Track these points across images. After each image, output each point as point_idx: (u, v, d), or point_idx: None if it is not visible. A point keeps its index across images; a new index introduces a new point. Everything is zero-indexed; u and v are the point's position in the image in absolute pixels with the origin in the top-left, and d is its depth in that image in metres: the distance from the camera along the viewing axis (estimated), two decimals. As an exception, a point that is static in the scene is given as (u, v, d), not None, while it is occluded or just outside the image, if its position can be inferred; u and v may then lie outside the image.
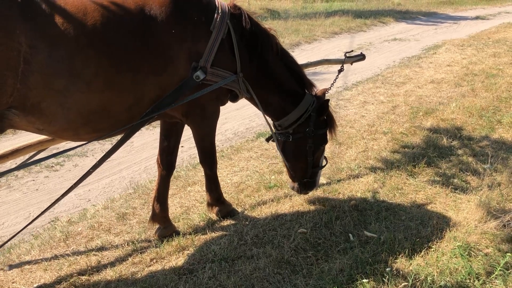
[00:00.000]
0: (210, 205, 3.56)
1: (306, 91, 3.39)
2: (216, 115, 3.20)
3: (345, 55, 3.96)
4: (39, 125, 2.48)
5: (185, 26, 2.77)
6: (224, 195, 3.95)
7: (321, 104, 3.39)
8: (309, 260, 2.99)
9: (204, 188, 3.67)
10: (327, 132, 3.48)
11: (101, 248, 3.24)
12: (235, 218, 3.54)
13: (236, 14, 3.01)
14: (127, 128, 2.76)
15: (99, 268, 3.01)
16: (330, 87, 3.91)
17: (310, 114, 3.32)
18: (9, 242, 3.47)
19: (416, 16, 16.48)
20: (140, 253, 3.14)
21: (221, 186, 4.05)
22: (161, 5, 2.70)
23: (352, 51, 4.09)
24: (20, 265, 3.11)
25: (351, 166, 4.40)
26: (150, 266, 3.01)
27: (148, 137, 5.46)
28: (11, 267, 3.06)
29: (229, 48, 2.94)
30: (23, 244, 3.41)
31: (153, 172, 4.70)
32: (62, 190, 4.34)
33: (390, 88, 7.26)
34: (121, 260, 3.09)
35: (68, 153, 5.10)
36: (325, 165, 3.61)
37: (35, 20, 2.27)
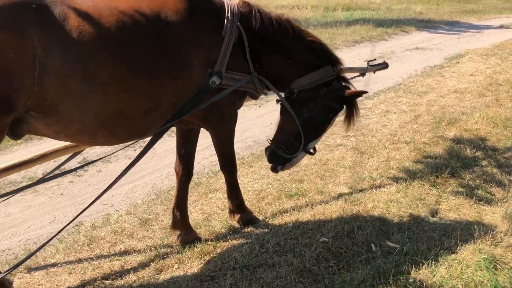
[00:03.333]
0: (231, 212, 3.57)
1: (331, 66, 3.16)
2: (233, 119, 3.21)
3: (367, 63, 3.95)
4: (56, 128, 2.52)
5: (199, 32, 2.80)
6: (245, 202, 3.97)
7: (345, 83, 3.19)
8: (331, 269, 2.98)
9: (225, 195, 3.70)
10: (335, 114, 3.19)
11: (124, 253, 3.28)
12: (256, 226, 3.54)
13: (246, 12, 3.00)
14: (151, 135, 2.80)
15: (122, 273, 3.05)
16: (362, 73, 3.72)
17: (331, 81, 3.10)
18: (36, 245, 3.58)
19: (438, 25, 16.32)
20: (163, 259, 3.17)
21: (242, 193, 4.08)
22: (175, 11, 2.73)
23: (374, 59, 4.07)
24: (45, 267, 3.18)
25: (373, 176, 4.37)
26: (172, 272, 3.04)
27: (171, 144, 5.52)
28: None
29: (242, 50, 2.96)
30: (48, 247, 3.47)
31: (175, 179, 4.73)
32: (86, 195, 4.44)
33: (412, 97, 7.21)
34: (143, 265, 3.12)
35: (92, 158, 5.20)
36: (311, 153, 3.28)
37: (49, 24, 2.31)
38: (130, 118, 2.67)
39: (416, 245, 3.16)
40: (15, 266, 2.59)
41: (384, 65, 4.15)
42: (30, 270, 3.17)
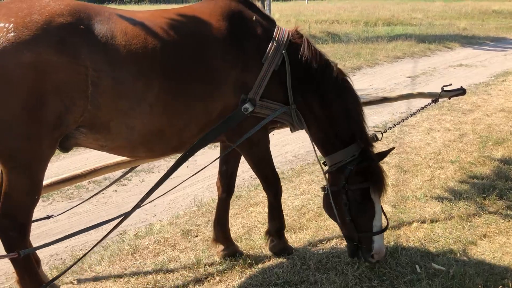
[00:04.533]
0: (269, 234, 3.38)
1: (359, 141, 2.96)
2: (263, 142, 3.06)
3: (442, 88, 3.78)
4: (103, 142, 2.58)
5: (238, 55, 2.76)
6: (286, 217, 3.94)
7: (367, 159, 2.93)
8: (374, 290, 2.92)
9: (266, 209, 3.68)
10: (372, 191, 2.92)
11: (167, 264, 3.32)
12: (297, 242, 3.52)
13: (296, 42, 2.92)
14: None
15: (165, 283, 3.09)
16: (385, 131, 3.56)
17: (346, 167, 2.92)
18: (82, 252, 3.68)
19: (483, 41, 15.91)
20: (204, 271, 3.20)
21: (282, 208, 4.05)
22: (217, 32, 2.71)
23: (450, 84, 3.84)
24: (91, 274, 3.26)
25: (416, 195, 4.28)
26: (213, 285, 3.06)
27: (212, 156, 5.57)
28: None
29: (282, 79, 2.84)
30: (94, 254, 3.56)
31: (215, 191, 4.76)
32: (129, 204, 4.53)
33: (456, 115, 7.03)
34: (186, 276, 3.15)
35: (136, 168, 5.31)
36: (383, 230, 2.95)
37: (98, 45, 2.35)
38: (166, 136, 2.69)
39: (463, 269, 3.06)
40: (64, 271, 2.73)
41: (461, 91, 3.93)
42: (75, 274, 3.26)
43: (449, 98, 4.03)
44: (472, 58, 12.63)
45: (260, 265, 3.22)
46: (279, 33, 2.88)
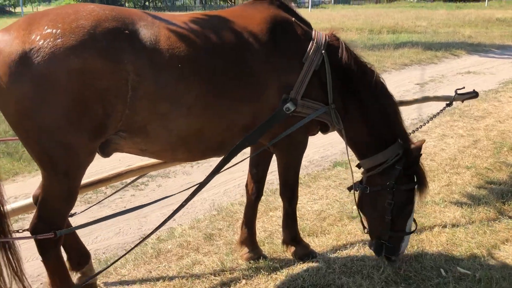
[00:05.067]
0: (285, 243, 3.42)
1: (399, 140, 3.01)
2: (303, 145, 3.12)
3: (455, 92, 3.83)
4: (142, 146, 2.58)
5: (279, 56, 2.78)
6: (306, 222, 3.98)
7: (410, 157, 2.97)
8: (401, 293, 2.93)
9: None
10: (414, 191, 3.03)
11: (191, 267, 3.33)
12: (320, 246, 3.53)
13: (333, 44, 2.96)
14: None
15: (191, 286, 3.10)
16: (416, 129, 3.78)
17: (395, 167, 2.96)
18: (105, 255, 3.70)
19: (489, 49, 15.96)
20: (230, 274, 3.21)
21: (302, 213, 4.07)
22: (258, 35, 2.74)
23: (463, 87, 3.89)
24: (116, 277, 3.27)
25: (435, 200, 4.30)
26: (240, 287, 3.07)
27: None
28: None
29: (322, 79, 2.87)
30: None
31: (233, 195, 4.82)
32: (147, 209, 4.52)
33: (469, 122, 7.06)
34: (212, 280, 3.16)
35: (152, 174, 5.34)
36: (413, 231, 3.09)
37: (142, 50, 2.35)
38: (207, 137, 2.70)
39: (489, 273, 3.07)
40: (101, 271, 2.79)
41: (474, 94, 4.00)
42: (102, 277, 3.27)
43: (462, 101, 4.09)
44: (479, 66, 12.67)
45: (285, 269, 3.23)
46: (317, 35, 2.91)
